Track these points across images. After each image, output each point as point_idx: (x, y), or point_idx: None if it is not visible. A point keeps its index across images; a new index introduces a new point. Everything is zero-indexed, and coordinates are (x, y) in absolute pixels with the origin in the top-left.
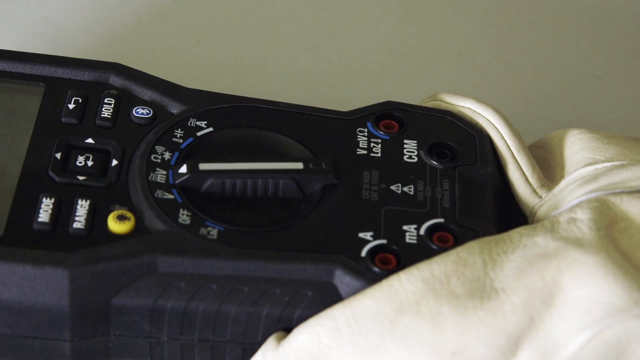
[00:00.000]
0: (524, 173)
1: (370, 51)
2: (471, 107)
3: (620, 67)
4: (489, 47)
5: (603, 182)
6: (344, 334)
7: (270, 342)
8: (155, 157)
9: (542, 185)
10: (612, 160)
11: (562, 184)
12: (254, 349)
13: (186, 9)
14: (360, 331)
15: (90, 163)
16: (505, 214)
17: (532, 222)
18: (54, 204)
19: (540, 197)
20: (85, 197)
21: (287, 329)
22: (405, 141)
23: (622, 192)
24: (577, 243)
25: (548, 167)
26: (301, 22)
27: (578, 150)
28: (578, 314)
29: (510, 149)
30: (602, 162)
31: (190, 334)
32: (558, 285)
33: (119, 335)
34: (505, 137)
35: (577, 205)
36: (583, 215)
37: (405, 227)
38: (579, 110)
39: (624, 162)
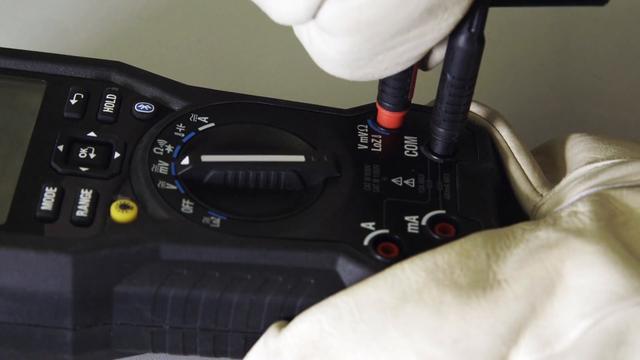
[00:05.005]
0: (524, 172)
1: None
2: (472, 109)
3: (620, 67)
4: (489, 47)
5: (603, 177)
6: (346, 321)
7: (272, 329)
8: (157, 150)
9: (543, 184)
10: (613, 158)
11: (563, 182)
12: (256, 339)
13: (186, 9)
14: (363, 319)
15: (92, 155)
16: (506, 214)
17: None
18: (56, 193)
19: (541, 195)
20: (88, 187)
21: (289, 318)
22: (406, 137)
23: (623, 187)
24: (578, 233)
25: (550, 171)
26: None
27: (579, 151)
28: (579, 302)
29: (510, 150)
30: (603, 160)
31: (192, 322)
32: (559, 273)
33: (121, 324)
34: (505, 139)
35: (579, 199)
36: (584, 208)
37: (407, 218)
38: (579, 110)
39: (624, 160)
